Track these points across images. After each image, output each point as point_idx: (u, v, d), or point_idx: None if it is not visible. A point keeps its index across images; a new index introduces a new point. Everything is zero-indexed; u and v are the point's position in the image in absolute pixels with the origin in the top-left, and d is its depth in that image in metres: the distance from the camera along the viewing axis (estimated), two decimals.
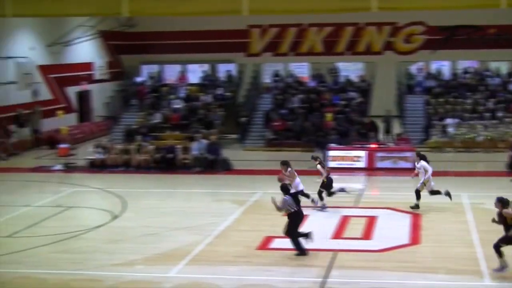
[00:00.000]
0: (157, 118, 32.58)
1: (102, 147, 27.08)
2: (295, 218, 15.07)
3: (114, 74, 40.18)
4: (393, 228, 17.27)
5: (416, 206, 18.82)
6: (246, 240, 16.28)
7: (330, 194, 19.10)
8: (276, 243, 15.97)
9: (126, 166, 26.58)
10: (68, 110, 35.51)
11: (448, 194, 18.84)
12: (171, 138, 28.83)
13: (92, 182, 24.33)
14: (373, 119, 30.81)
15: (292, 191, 16.27)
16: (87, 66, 37.81)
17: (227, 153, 27.42)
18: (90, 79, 38.04)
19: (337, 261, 14.63)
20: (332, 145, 26.71)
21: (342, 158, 25.81)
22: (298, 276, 13.81)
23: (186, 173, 25.29)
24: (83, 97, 38.06)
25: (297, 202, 15.21)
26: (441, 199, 18.92)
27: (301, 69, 37.72)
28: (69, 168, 27.05)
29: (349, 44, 41.18)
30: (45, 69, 34.10)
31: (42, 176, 25.48)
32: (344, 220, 17.96)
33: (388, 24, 40.24)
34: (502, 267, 13.52)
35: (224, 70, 37.94)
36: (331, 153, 25.93)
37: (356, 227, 17.36)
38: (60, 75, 35.55)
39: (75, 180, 24.88)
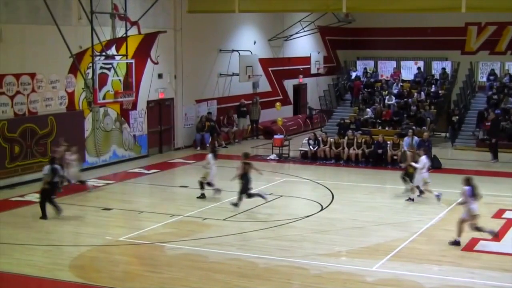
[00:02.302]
0: (369, 113, 32.99)
1: (314, 140, 27.98)
2: (49, 190, 18.00)
3: (330, 69, 41.08)
4: None
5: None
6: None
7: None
8: (482, 246, 15.83)
9: (337, 159, 27.28)
10: (284, 102, 36.95)
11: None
12: (382, 133, 29.05)
13: (303, 173, 25.25)
14: None
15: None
16: (304, 60, 38.98)
17: (436, 151, 27.21)
18: (306, 73, 39.27)
19: None
20: None
21: None
22: (503, 281, 13.53)
23: (395, 169, 25.40)
24: (299, 90, 39.43)
25: (55, 175, 18.05)
26: None
27: None
28: (282, 158, 28.35)
29: None
30: (265, 62, 35.68)
31: (258, 165, 26.68)
32: None
33: None
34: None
35: (438, 67, 37.46)
36: None
37: None
38: (279, 68, 37.13)
39: (287, 170, 26.00)
